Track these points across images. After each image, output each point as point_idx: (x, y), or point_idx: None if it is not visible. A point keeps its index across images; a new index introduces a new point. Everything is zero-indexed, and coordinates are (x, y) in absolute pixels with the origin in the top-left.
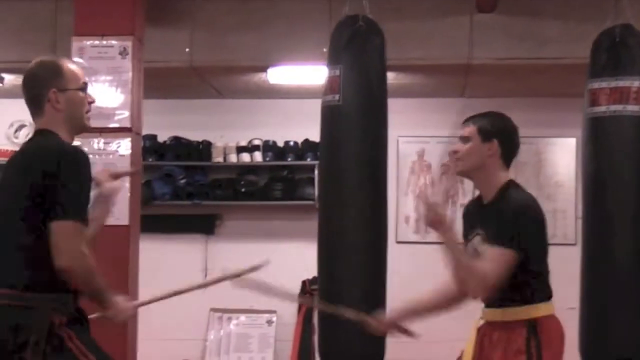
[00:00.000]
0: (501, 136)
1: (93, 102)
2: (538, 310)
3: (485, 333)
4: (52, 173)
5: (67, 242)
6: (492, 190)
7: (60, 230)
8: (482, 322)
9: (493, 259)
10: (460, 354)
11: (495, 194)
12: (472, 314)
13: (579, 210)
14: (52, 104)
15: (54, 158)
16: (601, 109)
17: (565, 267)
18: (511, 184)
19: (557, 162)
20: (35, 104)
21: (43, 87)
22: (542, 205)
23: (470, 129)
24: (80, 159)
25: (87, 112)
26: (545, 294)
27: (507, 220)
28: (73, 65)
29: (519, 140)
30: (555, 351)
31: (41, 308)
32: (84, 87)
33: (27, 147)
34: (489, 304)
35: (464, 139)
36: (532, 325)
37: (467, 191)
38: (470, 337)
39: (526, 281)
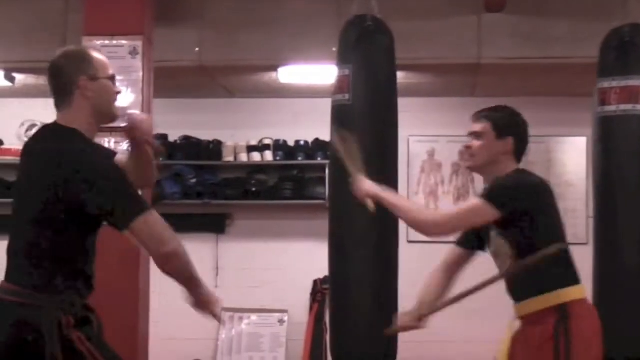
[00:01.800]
0: (516, 133)
1: (119, 92)
2: (567, 294)
3: (520, 329)
4: (91, 179)
5: (161, 230)
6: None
7: (148, 223)
8: (516, 322)
9: (463, 208)
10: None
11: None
12: (483, 315)
13: (590, 210)
14: (82, 92)
15: (85, 163)
16: (611, 108)
17: (576, 266)
18: (516, 170)
19: (567, 162)
20: (64, 93)
21: (73, 74)
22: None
23: (484, 125)
24: (109, 155)
25: (114, 102)
26: (571, 277)
27: (492, 188)
28: (101, 55)
29: (528, 137)
30: (587, 335)
31: (50, 308)
32: (112, 78)
33: (48, 149)
34: (517, 298)
35: (477, 135)
36: (563, 310)
37: (477, 190)
38: (506, 338)
39: (546, 266)
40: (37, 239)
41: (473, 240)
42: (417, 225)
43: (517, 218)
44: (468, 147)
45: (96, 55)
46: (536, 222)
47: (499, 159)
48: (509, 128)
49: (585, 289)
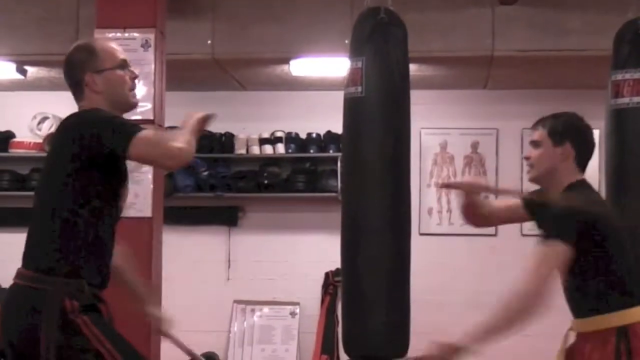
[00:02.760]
0: (574, 138)
1: (136, 77)
2: (629, 315)
3: (576, 345)
4: (93, 127)
5: (159, 139)
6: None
7: (144, 138)
8: (572, 334)
9: (535, 261)
10: None
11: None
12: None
13: None
14: (90, 88)
15: (90, 118)
16: (624, 100)
17: None
18: (578, 184)
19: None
20: (77, 90)
21: (79, 71)
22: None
23: (540, 133)
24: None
25: (131, 89)
26: (634, 298)
27: (554, 215)
28: (109, 43)
29: (594, 141)
30: None
31: (55, 291)
32: (122, 65)
33: (66, 124)
34: (576, 314)
35: (535, 144)
36: (623, 332)
37: (490, 182)
38: (560, 350)
39: (609, 285)
40: (51, 223)
41: None
42: (523, 317)
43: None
44: (527, 158)
45: (102, 45)
46: (596, 243)
47: (558, 167)
48: (566, 133)
49: None
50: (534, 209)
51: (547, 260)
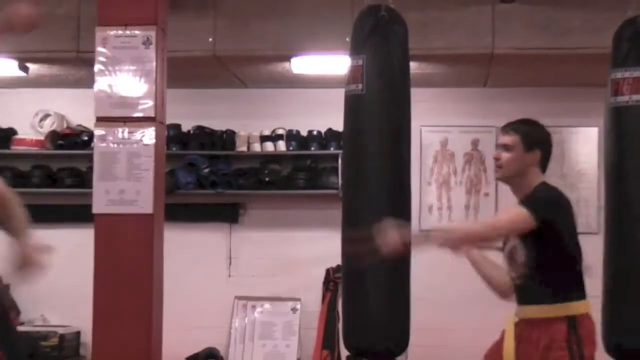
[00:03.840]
0: (543, 146)
1: None
2: (576, 307)
3: (522, 330)
4: None
5: None
6: (523, 193)
7: None
8: (516, 319)
9: (507, 213)
10: (493, 349)
11: (525, 194)
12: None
13: (601, 199)
14: None
15: None
16: (624, 98)
17: (587, 256)
18: (545, 184)
19: (580, 152)
20: None
21: None
22: (566, 194)
23: (512, 138)
24: None
25: None
26: (582, 292)
27: (529, 198)
28: None
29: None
30: (593, 348)
31: None
32: None
33: None
34: (525, 301)
35: (506, 147)
36: (572, 322)
37: (490, 180)
38: (508, 332)
39: (567, 278)
40: None
41: None
42: (492, 236)
43: (546, 229)
44: (497, 159)
45: None
46: (560, 237)
47: (526, 170)
48: (537, 141)
49: (589, 305)
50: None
51: (517, 222)
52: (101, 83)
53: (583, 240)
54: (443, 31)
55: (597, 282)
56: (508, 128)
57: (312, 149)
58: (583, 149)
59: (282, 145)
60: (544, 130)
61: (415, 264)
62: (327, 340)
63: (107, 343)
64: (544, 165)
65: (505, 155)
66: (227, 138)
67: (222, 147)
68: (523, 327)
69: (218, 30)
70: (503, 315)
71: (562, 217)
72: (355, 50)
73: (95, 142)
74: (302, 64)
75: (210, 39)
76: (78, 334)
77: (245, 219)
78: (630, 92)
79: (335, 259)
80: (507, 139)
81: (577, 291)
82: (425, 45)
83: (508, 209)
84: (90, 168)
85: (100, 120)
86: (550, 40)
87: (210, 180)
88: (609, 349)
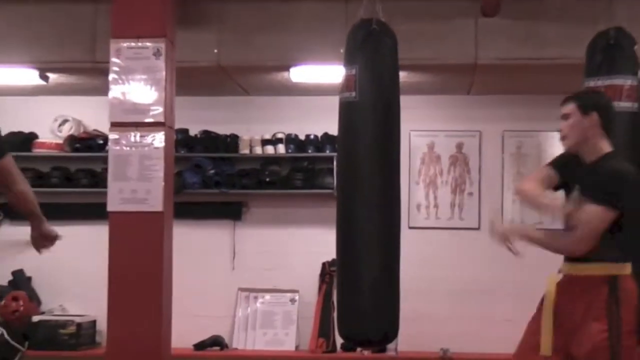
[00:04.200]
0: (599, 108)
1: None
2: (619, 268)
3: (565, 286)
4: None
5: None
6: (595, 157)
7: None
8: (560, 276)
9: (588, 217)
10: (539, 305)
11: (597, 158)
12: (470, 296)
13: None
14: None
15: None
16: None
17: None
18: (613, 154)
19: (556, 153)
20: None
21: None
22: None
23: (569, 107)
24: None
25: None
26: (625, 254)
27: (604, 180)
28: None
29: (615, 112)
30: (632, 308)
31: None
32: None
33: None
34: (571, 258)
35: (565, 117)
36: (613, 283)
37: (473, 180)
38: (549, 290)
39: (612, 240)
40: None
41: (564, 176)
42: (564, 251)
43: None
44: (560, 130)
45: None
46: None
47: (588, 134)
48: (592, 105)
49: (630, 267)
50: (570, 170)
51: (599, 224)
52: (115, 91)
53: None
54: (430, 43)
55: None
56: (566, 100)
57: (309, 151)
58: (559, 151)
59: (281, 148)
60: (600, 95)
61: (404, 256)
62: (323, 329)
63: (121, 331)
64: (606, 128)
65: (565, 124)
66: (231, 141)
67: (226, 150)
68: (566, 283)
69: (222, 43)
70: (486, 305)
71: (626, 192)
72: (348, 61)
73: (110, 146)
74: (300, 74)
75: (215, 51)
76: (94, 322)
77: (248, 216)
78: None
79: (331, 254)
80: (565, 109)
81: (620, 252)
82: (414, 55)
83: (586, 213)
84: (105, 169)
85: (114, 125)
86: (529, 51)
87: (215, 180)
88: None
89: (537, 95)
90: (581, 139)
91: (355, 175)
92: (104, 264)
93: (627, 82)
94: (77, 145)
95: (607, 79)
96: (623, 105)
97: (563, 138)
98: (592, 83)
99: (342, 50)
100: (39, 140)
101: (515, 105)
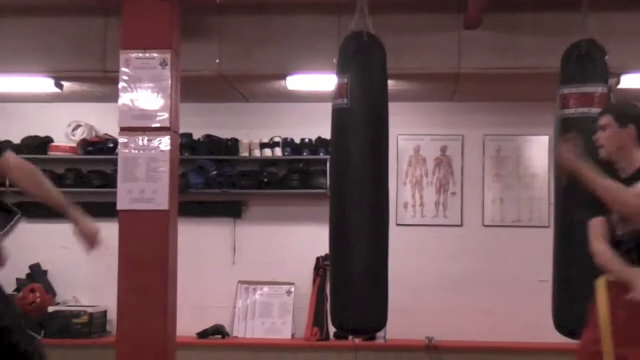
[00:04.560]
0: (636, 121)
1: None
2: None
3: (618, 293)
4: None
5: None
6: (631, 167)
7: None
8: (609, 280)
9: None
10: (592, 317)
11: (634, 170)
12: (452, 289)
13: (551, 197)
14: None
15: None
16: (570, 111)
17: (539, 246)
18: None
19: (533, 157)
20: None
21: None
22: (520, 193)
23: (606, 118)
24: None
25: None
26: None
27: None
28: None
29: None
30: None
31: None
32: None
33: None
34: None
35: (602, 128)
36: None
37: (456, 181)
38: (600, 298)
39: None
40: None
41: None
42: (617, 202)
43: None
44: (597, 140)
45: None
46: None
47: (624, 146)
48: (630, 118)
49: None
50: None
51: None
52: (124, 98)
53: (536, 233)
54: (416, 53)
55: (548, 268)
56: (603, 110)
57: (304, 154)
58: (536, 154)
59: (278, 151)
60: (636, 107)
61: (392, 251)
62: (317, 318)
63: (130, 320)
64: None
65: (602, 135)
66: (232, 145)
67: (227, 152)
68: (618, 289)
69: (223, 54)
70: (467, 296)
71: None
72: (341, 70)
73: (119, 149)
74: (296, 82)
75: (217, 61)
76: (105, 312)
77: (247, 214)
78: (576, 105)
79: (324, 249)
80: (602, 120)
81: None
82: (401, 65)
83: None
84: (115, 171)
85: (123, 129)
86: (508, 61)
87: (217, 181)
88: (558, 327)
89: (515, 102)
90: (617, 150)
91: (347, 176)
92: (114, 259)
93: (598, 89)
94: (89, 148)
95: (580, 87)
96: (594, 111)
97: (600, 147)
98: (565, 91)
99: (334, 61)
100: (54, 143)
101: (495, 112)
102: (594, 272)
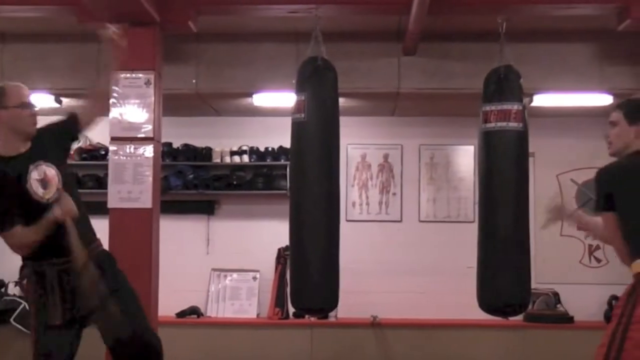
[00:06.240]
0: None
1: (33, 115)
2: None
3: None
4: None
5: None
6: None
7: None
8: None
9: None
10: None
11: None
12: (397, 273)
13: (476, 197)
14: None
15: None
16: (491, 125)
17: (466, 238)
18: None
19: (460, 163)
20: None
21: None
22: (449, 194)
23: (616, 115)
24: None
25: (33, 124)
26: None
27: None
28: (18, 86)
29: None
30: None
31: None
32: (23, 104)
33: None
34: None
35: (612, 124)
36: (637, 280)
37: (396, 183)
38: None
39: (629, 237)
40: None
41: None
42: (604, 241)
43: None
44: (607, 136)
45: (12, 87)
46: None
47: (632, 143)
48: (639, 114)
49: None
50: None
51: (606, 229)
52: (114, 112)
53: (463, 227)
54: (363, 75)
55: (473, 256)
56: (613, 107)
57: (268, 160)
58: (463, 161)
59: (246, 158)
60: None
61: (343, 243)
62: (279, 301)
63: None
64: None
65: (612, 132)
66: (206, 152)
67: (202, 159)
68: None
69: (199, 74)
70: (406, 280)
71: (605, 191)
72: (299, 89)
73: (110, 156)
74: (261, 99)
75: (194, 81)
76: None
77: (219, 212)
78: (496, 120)
79: (285, 241)
80: (612, 117)
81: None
82: (350, 85)
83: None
84: (106, 174)
85: (114, 139)
86: (440, 83)
87: (193, 183)
88: (481, 306)
89: (446, 117)
90: (624, 147)
91: (304, 180)
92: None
93: (514, 107)
94: (85, 155)
95: (499, 104)
96: (511, 125)
97: (609, 144)
98: (487, 108)
99: (293, 81)
100: None
101: (429, 125)
102: (510, 260)
